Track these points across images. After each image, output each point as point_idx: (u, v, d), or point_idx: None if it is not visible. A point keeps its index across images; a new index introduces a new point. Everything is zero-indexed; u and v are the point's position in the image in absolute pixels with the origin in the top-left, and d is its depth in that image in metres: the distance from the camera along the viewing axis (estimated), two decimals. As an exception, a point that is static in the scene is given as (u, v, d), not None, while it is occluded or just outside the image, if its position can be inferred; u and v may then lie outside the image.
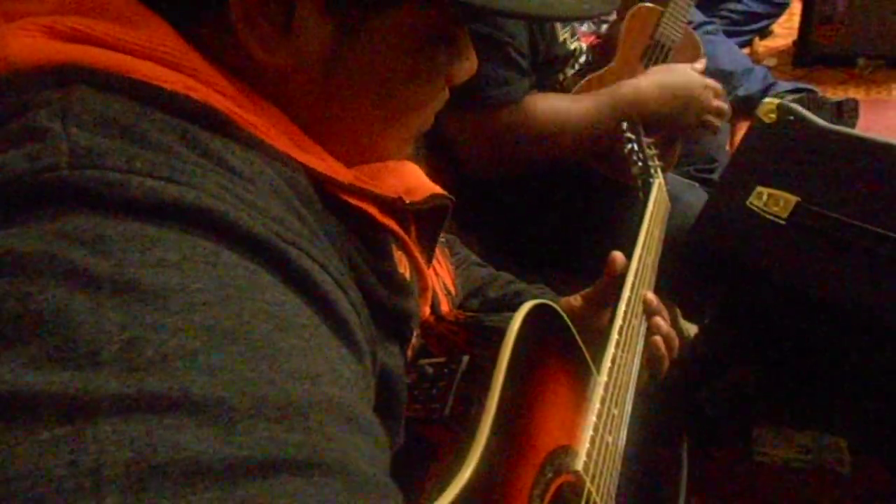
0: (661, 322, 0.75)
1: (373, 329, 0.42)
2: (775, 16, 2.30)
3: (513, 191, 1.17)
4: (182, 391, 0.26)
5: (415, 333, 0.54)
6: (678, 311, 1.45)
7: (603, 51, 1.23)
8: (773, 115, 1.06)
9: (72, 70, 0.34)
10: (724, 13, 2.19)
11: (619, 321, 0.69)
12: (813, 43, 2.20)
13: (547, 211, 1.20)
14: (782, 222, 1.01)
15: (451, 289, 0.73)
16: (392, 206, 0.47)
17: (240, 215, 0.32)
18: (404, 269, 0.51)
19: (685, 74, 1.13)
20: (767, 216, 1.03)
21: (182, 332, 0.27)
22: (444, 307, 0.66)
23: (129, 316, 0.27)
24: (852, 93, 2.01)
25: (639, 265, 0.76)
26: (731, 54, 2.00)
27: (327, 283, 0.35)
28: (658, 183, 0.89)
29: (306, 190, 0.40)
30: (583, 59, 1.20)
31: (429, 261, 0.56)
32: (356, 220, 0.45)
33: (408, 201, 0.48)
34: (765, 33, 2.41)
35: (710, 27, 2.02)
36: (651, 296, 0.76)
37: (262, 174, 0.36)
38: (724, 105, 1.17)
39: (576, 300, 0.79)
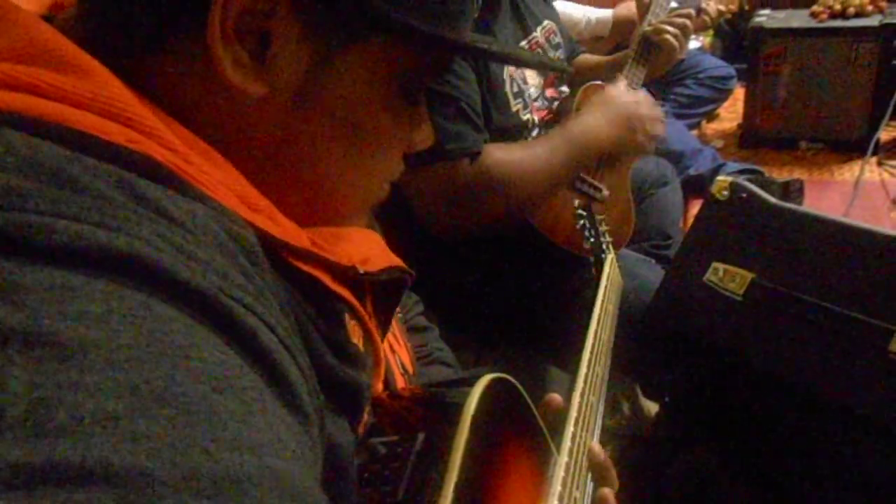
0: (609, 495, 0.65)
1: (322, 399, 0.39)
2: (720, 100, 2.41)
3: (468, 266, 1.17)
4: (98, 461, 0.22)
5: (366, 410, 0.50)
6: (638, 388, 1.44)
7: (556, 124, 1.25)
8: (727, 193, 1.08)
9: (1, 116, 0.32)
10: (673, 97, 2.29)
11: (577, 398, 0.66)
12: (757, 126, 2.30)
13: (502, 288, 1.19)
14: (739, 298, 1.02)
15: (409, 368, 0.70)
16: (345, 274, 0.45)
17: (177, 265, 0.29)
18: (357, 340, 0.48)
19: (619, 100, 1.16)
20: (724, 292, 1.03)
21: (102, 392, 0.24)
22: (400, 386, 0.63)
23: (40, 374, 0.24)
24: (797, 174, 2.10)
25: (595, 341, 0.74)
26: (681, 135, 2.08)
27: (273, 343, 0.32)
28: (610, 259, 0.89)
29: (254, 249, 0.38)
30: (535, 132, 1.22)
31: (383, 334, 0.53)
32: (307, 285, 0.42)
33: (362, 271, 0.46)
34: (711, 116, 2.53)
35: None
36: (596, 448, 0.65)
37: (205, 227, 0.33)
38: (659, 111, 1.21)
39: None
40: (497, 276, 1.19)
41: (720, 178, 1.10)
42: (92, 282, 0.27)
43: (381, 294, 0.51)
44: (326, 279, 0.43)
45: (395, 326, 0.64)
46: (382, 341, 0.53)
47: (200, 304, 0.30)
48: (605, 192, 1.23)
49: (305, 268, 0.42)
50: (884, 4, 2.14)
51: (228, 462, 0.25)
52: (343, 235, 0.47)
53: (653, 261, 1.43)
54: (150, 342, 0.26)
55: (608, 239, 0.93)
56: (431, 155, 1.01)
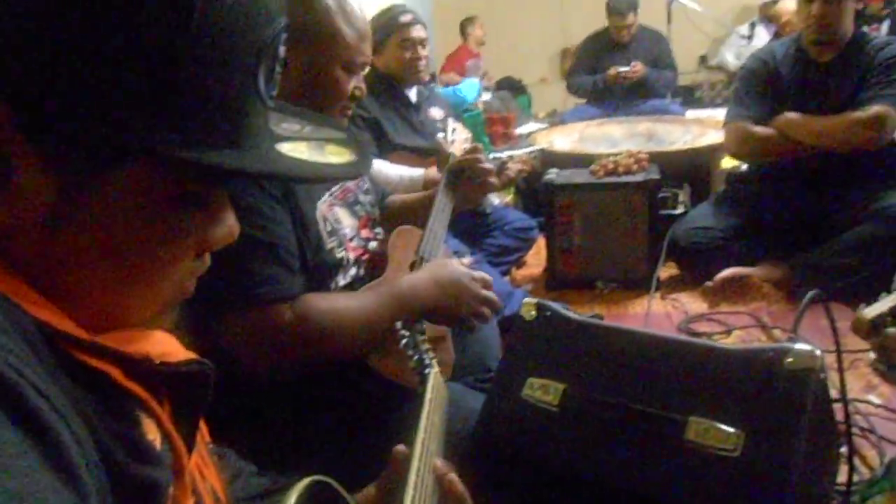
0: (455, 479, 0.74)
1: (109, 497, 0.36)
2: (526, 248, 2.66)
3: (285, 400, 1.12)
4: None
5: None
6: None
7: (375, 264, 1.30)
8: (534, 313, 1.17)
9: None
10: (484, 246, 2.48)
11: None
12: (559, 270, 2.53)
13: (324, 419, 1.15)
14: (555, 410, 1.06)
15: (221, 497, 0.65)
16: (139, 367, 0.42)
17: None
18: (155, 438, 0.44)
19: (455, 269, 1.21)
20: (541, 405, 1.08)
21: None
22: (211, 510, 0.58)
23: None
24: (597, 310, 2.30)
25: (422, 449, 0.74)
26: (494, 280, 2.22)
27: (44, 406, 0.31)
28: (434, 373, 0.91)
29: (34, 337, 0.35)
30: (353, 270, 1.25)
31: (190, 441, 0.50)
32: (95, 381, 0.39)
33: (158, 361, 0.43)
34: (520, 264, 2.75)
35: (473, 257, 2.26)
36: (440, 462, 0.75)
37: None
38: (493, 296, 1.25)
39: (370, 490, 0.76)
40: (316, 408, 1.15)
41: (526, 299, 1.19)
42: None
43: (183, 396, 0.48)
44: (116, 374, 0.41)
45: (204, 451, 0.60)
46: (191, 450, 0.50)
47: None
48: (422, 326, 1.27)
49: (93, 363, 0.39)
50: (646, 164, 2.53)
51: None
52: (139, 336, 0.45)
53: (478, 392, 1.46)
54: None
55: (431, 355, 0.96)
56: (244, 300, 0.99)
